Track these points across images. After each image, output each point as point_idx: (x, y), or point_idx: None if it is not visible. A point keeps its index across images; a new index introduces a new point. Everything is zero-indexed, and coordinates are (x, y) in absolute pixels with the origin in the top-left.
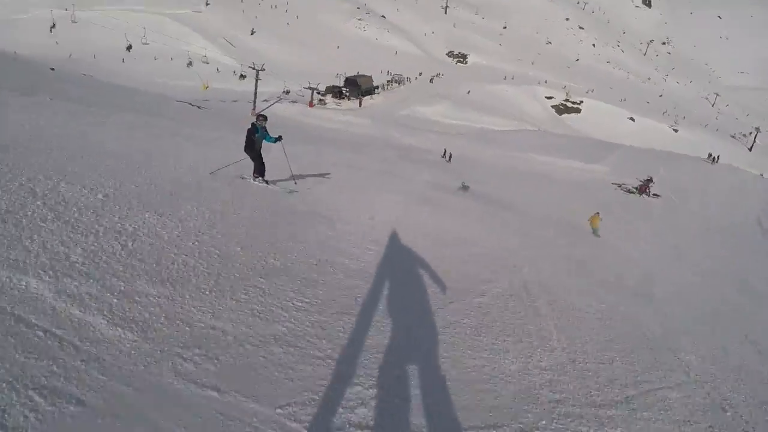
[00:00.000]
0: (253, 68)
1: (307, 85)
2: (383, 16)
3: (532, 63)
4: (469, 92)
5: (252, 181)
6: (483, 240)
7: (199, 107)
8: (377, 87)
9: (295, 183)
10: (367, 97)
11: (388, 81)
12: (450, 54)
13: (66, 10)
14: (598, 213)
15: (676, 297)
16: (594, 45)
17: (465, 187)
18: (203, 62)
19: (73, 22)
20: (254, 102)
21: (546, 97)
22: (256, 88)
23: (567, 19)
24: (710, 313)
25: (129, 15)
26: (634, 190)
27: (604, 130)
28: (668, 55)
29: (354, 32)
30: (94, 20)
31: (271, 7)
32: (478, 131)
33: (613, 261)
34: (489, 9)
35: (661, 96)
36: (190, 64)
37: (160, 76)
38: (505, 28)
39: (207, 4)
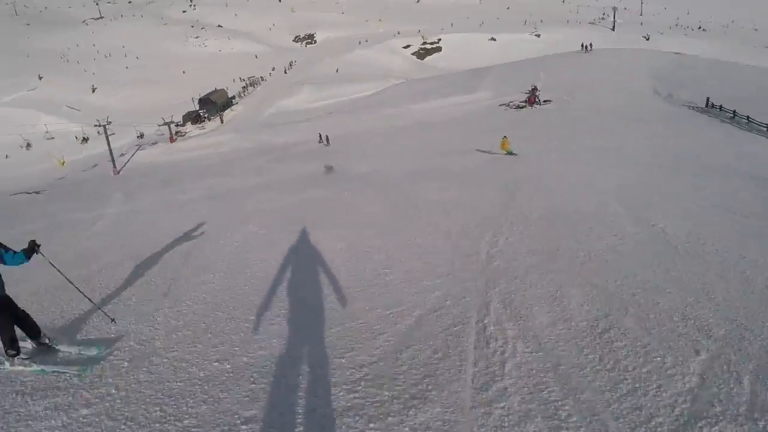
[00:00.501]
0: (98, 125)
1: (162, 122)
2: (220, 26)
3: (380, 20)
4: (338, 70)
5: (9, 366)
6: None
7: (38, 192)
8: (233, 97)
9: (113, 321)
10: (228, 111)
11: (243, 87)
12: (297, 39)
13: None
14: (505, 136)
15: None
16: None
17: (328, 168)
18: (48, 138)
19: None
20: (113, 160)
21: (403, 47)
22: (108, 146)
23: None
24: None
25: None
26: (524, 104)
27: (470, 59)
28: None
29: (195, 51)
30: None
31: (106, 57)
32: (349, 103)
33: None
34: None
35: (509, 8)
36: (28, 146)
37: (13, 170)
38: None
39: (40, 78)
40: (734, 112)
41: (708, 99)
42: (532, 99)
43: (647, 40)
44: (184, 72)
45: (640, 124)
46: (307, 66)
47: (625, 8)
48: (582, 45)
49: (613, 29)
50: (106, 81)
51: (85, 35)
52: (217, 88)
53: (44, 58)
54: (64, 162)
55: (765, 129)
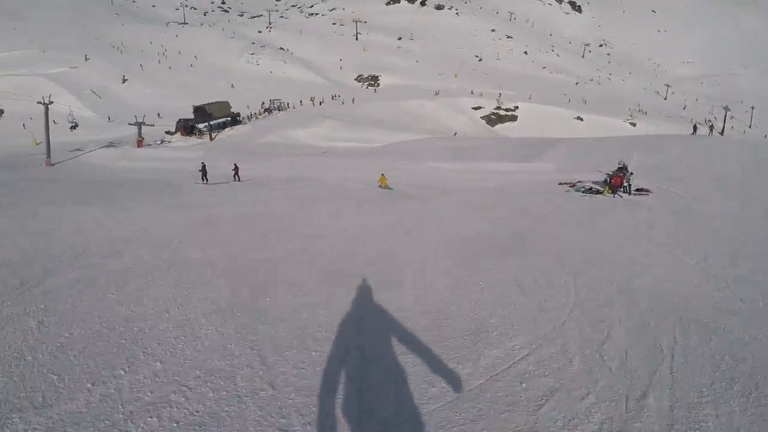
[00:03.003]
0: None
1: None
2: (281, 48)
3: (456, 76)
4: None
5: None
6: None
7: None
8: (239, 115)
9: None
10: (227, 130)
11: (265, 109)
12: (359, 78)
13: None
14: (383, 174)
15: None
16: (526, 53)
17: None
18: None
19: None
20: (48, 148)
21: (473, 108)
22: (47, 130)
23: (493, 30)
24: None
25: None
26: (601, 188)
27: (548, 135)
28: (608, 56)
29: (246, 68)
30: None
31: (158, 54)
32: (367, 150)
33: None
34: (406, 31)
35: (605, 95)
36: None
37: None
38: (411, 39)
39: (87, 59)
40: None
41: None
42: (617, 180)
43: None
44: (233, 86)
45: None
46: (352, 105)
47: (732, 116)
48: (694, 126)
49: (722, 133)
50: (141, 76)
51: (158, 34)
52: (220, 100)
53: (108, 44)
54: (38, 142)
55: None
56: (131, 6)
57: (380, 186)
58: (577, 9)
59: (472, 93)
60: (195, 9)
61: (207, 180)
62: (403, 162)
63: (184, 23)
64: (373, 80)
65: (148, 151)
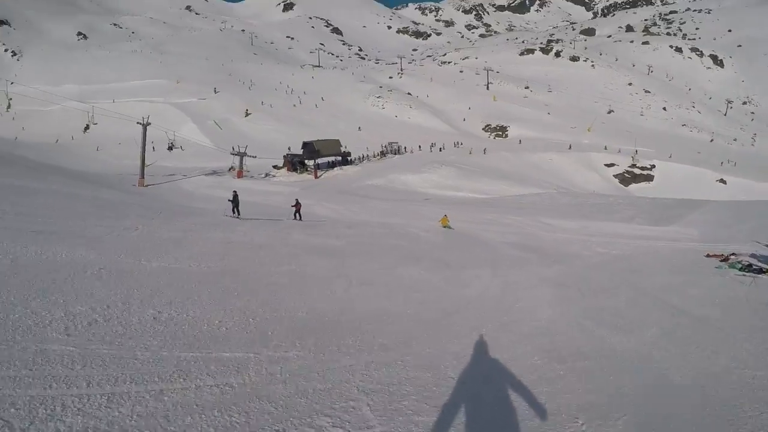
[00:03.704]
0: (170, 144)
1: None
2: (408, 93)
3: (589, 130)
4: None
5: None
6: None
7: None
8: (349, 154)
9: None
10: (336, 169)
11: (381, 151)
12: (487, 128)
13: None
14: (445, 215)
15: None
16: (665, 108)
17: None
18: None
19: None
20: (142, 169)
21: (606, 164)
22: (143, 151)
23: (630, 83)
24: None
25: (134, 105)
26: (766, 267)
27: (687, 197)
28: (752, 114)
29: (370, 110)
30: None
31: (286, 92)
32: (479, 201)
33: None
34: (538, 81)
35: (749, 157)
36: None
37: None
38: (549, 91)
39: (216, 92)
40: None
41: None
42: None
43: None
44: (360, 128)
45: None
46: (473, 153)
47: None
48: None
49: None
50: (265, 111)
51: (290, 74)
52: (329, 138)
53: (238, 80)
54: (148, 164)
55: None
56: (269, 47)
57: (442, 226)
58: (719, 63)
59: (605, 148)
60: (332, 54)
61: (238, 213)
62: (514, 216)
63: (318, 65)
64: (501, 131)
65: (245, 183)
